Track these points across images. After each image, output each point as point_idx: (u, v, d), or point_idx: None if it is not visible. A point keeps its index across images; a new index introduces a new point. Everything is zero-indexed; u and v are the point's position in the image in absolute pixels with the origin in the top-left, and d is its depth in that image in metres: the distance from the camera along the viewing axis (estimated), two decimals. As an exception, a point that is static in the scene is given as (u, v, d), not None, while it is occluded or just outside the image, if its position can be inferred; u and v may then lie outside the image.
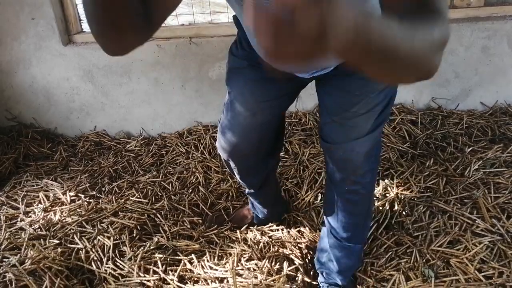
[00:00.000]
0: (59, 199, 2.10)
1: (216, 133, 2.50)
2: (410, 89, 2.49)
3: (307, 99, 2.50)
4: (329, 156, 1.44)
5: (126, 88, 2.56)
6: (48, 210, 2.02)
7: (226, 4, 2.43)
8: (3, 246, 1.73)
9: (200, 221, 1.97)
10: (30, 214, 2.00)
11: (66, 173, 2.37)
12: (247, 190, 1.79)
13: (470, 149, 2.15)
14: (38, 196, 2.13)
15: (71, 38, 2.53)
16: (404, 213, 1.88)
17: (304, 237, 1.85)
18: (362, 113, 1.26)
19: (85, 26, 2.59)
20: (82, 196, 2.12)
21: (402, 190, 1.97)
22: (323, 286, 1.64)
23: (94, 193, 2.16)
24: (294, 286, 1.61)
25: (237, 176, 1.66)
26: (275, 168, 1.84)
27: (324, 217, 1.59)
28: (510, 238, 1.67)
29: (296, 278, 1.66)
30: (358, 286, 1.64)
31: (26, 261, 1.61)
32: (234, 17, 1.41)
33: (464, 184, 1.95)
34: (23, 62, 2.53)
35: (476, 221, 1.76)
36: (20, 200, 2.10)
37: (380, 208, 1.90)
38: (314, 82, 1.41)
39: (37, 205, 2.07)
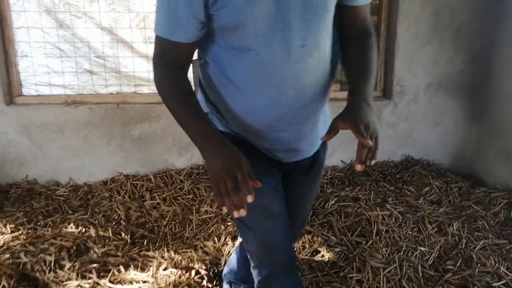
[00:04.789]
0: (0, 229, 2.48)
1: (135, 182, 3.02)
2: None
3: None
4: None
5: (59, 143, 3.03)
6: (-8, 237, 2.39)
7: (148, 78, 3.07)
8: (-37, 257, 2.09)
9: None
10: (-24, 240, 2.36)
11: (1, 212, 2.73)
12: None
13: (330, 190, 2.91)
14: (-20, 229, 2.48)
15: (13, 99, 3.00)
16: (282, 235, 2.53)
17: (209, 255, 2.40)
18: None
19: (25, 91, 3.07)
20: (21, 228, 2.51)
21: (281, 220, 2.63)
22: None
23: (32, 225, 2.56)
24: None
25: None
26: None
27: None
28: (352, 247, 2.38)
29: (202, 284, 2.20)
30: None
31: (-15, 267, 2.00)
32: None
33: (325, 213, 2.67)
34: (-33, 118, 2.93)
35: (331, 237, 2.45)
36: (-35, 230, 2.44)
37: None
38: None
39: (-19, 234, 2.43)
